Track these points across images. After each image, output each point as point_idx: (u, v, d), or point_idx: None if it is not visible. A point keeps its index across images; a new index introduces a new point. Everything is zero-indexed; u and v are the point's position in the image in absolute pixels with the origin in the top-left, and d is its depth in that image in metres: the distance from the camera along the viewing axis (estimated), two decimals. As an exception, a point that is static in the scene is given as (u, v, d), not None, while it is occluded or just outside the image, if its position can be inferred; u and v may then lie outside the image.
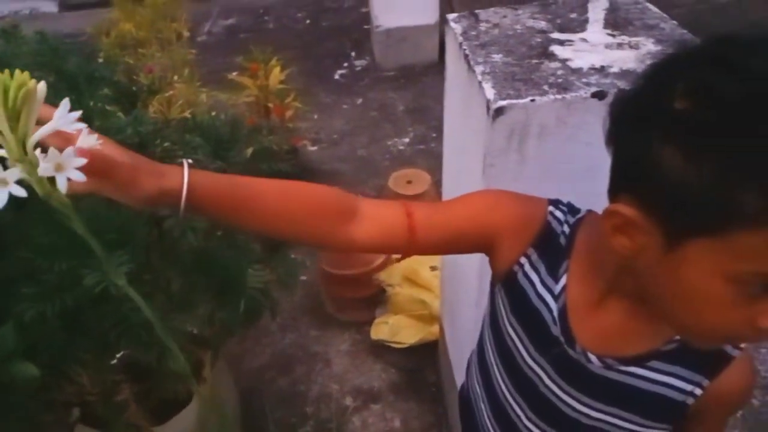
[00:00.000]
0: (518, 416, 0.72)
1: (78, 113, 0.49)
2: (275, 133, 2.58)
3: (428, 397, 1.89)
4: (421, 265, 2.06)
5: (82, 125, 0.49)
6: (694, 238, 0.46)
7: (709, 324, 0.50)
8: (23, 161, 0.47)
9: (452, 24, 1.15)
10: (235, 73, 2.76)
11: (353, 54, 4.17)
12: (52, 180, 0.48)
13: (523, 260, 0.66)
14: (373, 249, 0.66)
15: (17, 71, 0.47)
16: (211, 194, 0.56)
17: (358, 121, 3.47)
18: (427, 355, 1.95)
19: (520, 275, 0.66)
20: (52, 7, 5.40)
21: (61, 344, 0.98)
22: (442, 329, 1.79)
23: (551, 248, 0.65)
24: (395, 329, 2.01)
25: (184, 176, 0.53)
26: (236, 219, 0.59)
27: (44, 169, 0.47)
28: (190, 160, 0.57)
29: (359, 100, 3.65)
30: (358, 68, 4.01)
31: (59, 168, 0.47)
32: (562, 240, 0.64)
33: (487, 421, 0.78)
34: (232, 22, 4.87)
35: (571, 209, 0.66)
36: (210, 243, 1.11)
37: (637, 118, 0.49)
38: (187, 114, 1.88)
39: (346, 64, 4.06)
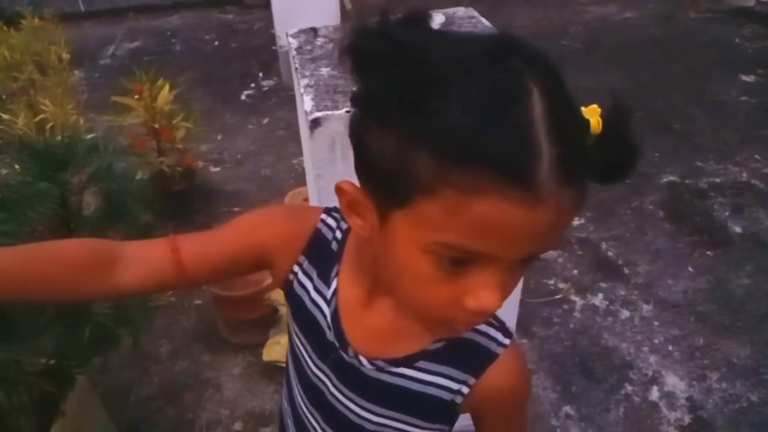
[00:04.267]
0: (314, 428, 0.71)
1: None
2: (167, 155, 2.52)
3: (321, 415, 1.87)
4: (314, 282, 2.05)
5: None
6: (394, 210, 0.47)
7: (424, 301, 0.51)
8: None
9: (290, 39, 1.16)
10: (134, 97, 2.68)
11: (261, 74, 4.16)
12: None
13: (296, 269, 0.66)
14: (146, 290, 0.64)
15: None
16: None
17: (264, 140, 3.44)
18: (319, 372, 1.93)
19: (295, 284, 0.66)
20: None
21: None
22: (328, 345, 1.78)
23: (322, 254, 0.65)
24: (287, 349, 1.98)
25: None
26: None
27: None
28: None
29: (265, 120, 3.63)
30: (266, 88, 4.00)
31: None
32: (334, 245, 0.65)
33: None
34: (138, 44, 4.76)
35: None
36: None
37: (357, 105, 0.51)
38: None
39: (253, 85, 4.04)
